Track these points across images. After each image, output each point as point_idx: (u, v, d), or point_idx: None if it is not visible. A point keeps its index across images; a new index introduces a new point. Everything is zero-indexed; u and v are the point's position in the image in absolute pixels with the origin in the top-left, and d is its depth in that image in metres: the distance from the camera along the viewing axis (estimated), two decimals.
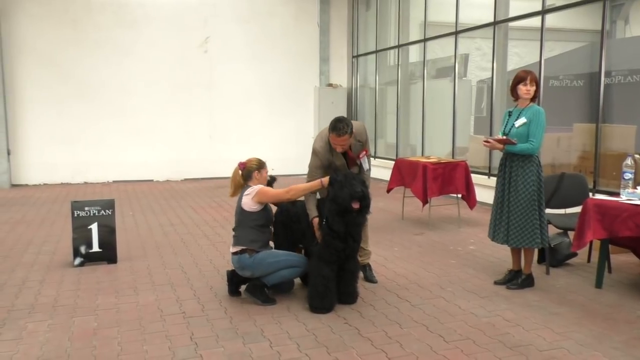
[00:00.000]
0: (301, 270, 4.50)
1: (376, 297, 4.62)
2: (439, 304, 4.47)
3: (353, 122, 4.56)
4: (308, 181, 4.54)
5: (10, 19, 11.36)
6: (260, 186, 4.46)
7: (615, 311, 4.29)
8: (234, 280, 4.63)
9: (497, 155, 8.44)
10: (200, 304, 4.46)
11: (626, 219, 4.47)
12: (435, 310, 4.32)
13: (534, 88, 4.65)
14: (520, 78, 4.66)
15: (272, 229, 4.71)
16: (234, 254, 4.48)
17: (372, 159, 4.89)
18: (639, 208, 4.43)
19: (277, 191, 4.46)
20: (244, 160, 4.60)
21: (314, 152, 4.59)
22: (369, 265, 5.08)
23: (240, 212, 4.50)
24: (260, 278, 4.44)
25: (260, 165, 4.54)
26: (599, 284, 4.83)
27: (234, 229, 4.60)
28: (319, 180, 4.35)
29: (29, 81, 11.57)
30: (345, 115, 4.41)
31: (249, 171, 4.52)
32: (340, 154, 4.57)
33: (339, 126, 4.35)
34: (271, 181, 4.76)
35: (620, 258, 5.67)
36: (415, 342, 3.72)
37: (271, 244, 4.73)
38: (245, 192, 4.48)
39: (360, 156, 4.72)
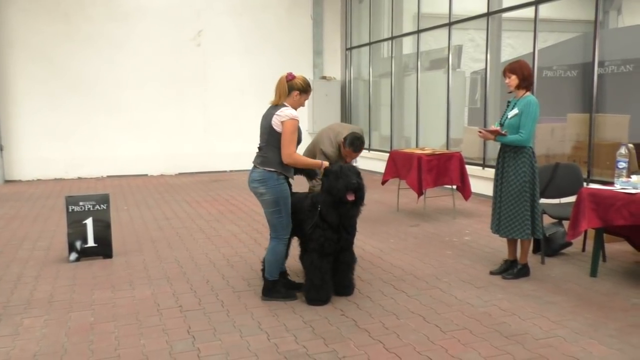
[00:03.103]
0: (282, 244, 4.31)
1: (372, 288, 4.63)
2: (435, 294, 4.48)
3: (351, 125, 5.32)
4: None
5: (2, 13, 11.26)
6: (294, 118, 4.11)
7: (610, 299, 4.32)
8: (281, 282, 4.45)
9: (491, 146, 8.51)
10: (197, 297, 4.46)
11: (620, 207, 4.49)
12: (432, 300, 4.34)
13: (512, 78, 4.68)
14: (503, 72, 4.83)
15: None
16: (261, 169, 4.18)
17: (366, 150, 5.27)
18: (633, 197, 4.45)
19: (290, 141, 4.10)
20: (293, 74, 4.28)
21: (326, 156, 5.11)
22: None
23: (270, 132, 4.17)
24: (264, 275, 4.39)
25: (305, 88, 4.23)
26: (593, 272, 4.86)
27: (259, 147, 4.28)
28: (320, 162, 4.37)
29: (22, 76, 11.48)
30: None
31: (292, 87, 4.20)
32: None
33: (356, 143, 5.01)
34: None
35: (615, 247, 5.70)
36: (412, 332, 3.74)
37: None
38: (278, 112, 4.14)
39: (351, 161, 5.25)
